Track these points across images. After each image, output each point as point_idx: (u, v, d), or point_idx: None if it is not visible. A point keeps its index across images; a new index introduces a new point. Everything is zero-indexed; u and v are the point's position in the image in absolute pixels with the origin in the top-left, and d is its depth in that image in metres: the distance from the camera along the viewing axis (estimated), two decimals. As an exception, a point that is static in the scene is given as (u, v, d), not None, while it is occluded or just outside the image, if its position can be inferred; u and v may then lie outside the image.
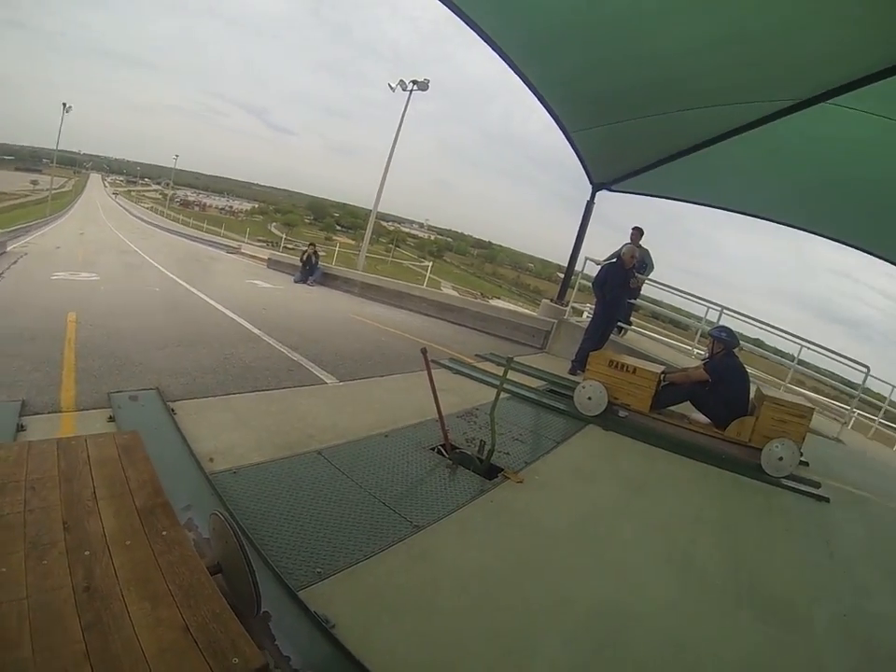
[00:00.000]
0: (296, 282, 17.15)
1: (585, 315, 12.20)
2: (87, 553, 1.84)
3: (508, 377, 4.58)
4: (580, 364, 8.55)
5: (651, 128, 8.59)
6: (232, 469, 3.58)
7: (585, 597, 2.90)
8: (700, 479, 5.15)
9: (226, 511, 2.67)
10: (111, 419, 4.09)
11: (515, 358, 6.13)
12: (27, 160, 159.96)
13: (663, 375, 6.22)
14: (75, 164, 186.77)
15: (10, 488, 2.13)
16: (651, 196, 12.33)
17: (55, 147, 59.56)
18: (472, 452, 4.38)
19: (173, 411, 4.37)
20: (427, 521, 3.36)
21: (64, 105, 51.60)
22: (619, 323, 9.62)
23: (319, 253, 18.16)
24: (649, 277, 10.08)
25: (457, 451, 4.40)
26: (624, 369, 6.11)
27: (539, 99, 8.74)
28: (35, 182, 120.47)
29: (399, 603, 2.58)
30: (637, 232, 9.87)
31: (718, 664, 2.61)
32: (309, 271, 17.40)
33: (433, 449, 4.50)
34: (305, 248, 18.50)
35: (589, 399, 6.16)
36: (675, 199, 12.10)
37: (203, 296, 11.02)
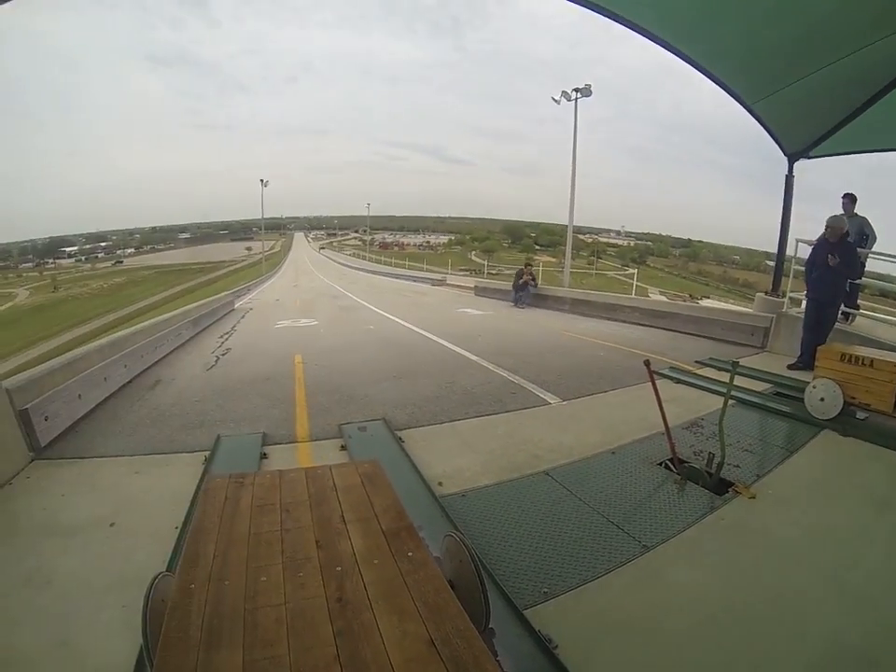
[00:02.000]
0: (515, 304, 17.38)
1: (804, 302, 11.28)
2: (339, 568, 2.01)
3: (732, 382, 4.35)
4: (804, 359, 7.92)
5: (836, 77, 7.65)
6: (461, 493, 3.78)
7: (822, 633, 2.57)
8: None
9: (457, 532, 2.77)
10: (343, 448, 4.58)
11: (738, 361, 5.79)
12: (239, 231, 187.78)
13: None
14: (280, 227, 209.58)
15: (268, 510, 2.41)
16: (855, 153, 10.83)
17: (261, 216, 68.69)
18: (701, 465, 4.22)
19: (401, 439, 4.73)
20: (655, 541, 3.30)
21: (262, 180, 58.62)
22: (845, 308, 8.70)
23: (533, 270, 18.08)
24: (872, 250, 8.94)
25: (685, 465, 4.28)
26: (860, 362, 5.42)
27: (710, 78, 8.42)
28: (248, 248, 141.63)
29: (623, 626, 2.55)
30: (850, 200, 8.99)
31: None
32: (523, 294, 17.34)
33: (661, 464, 4.41)
34: (522, 269, 18.21)
35: (821, 400, 5.58)
36: (884, 150, 10.74)
37: (416, 328, 11.63)
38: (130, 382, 6.95)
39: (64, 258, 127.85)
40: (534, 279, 17.54)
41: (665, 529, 3.42)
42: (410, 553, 2.10)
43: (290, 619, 1.74)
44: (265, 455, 4.47)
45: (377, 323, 13.29)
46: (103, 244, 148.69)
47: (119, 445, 4.81)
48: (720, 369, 7.76)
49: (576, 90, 23.47)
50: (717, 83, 8.60)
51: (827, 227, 7.65)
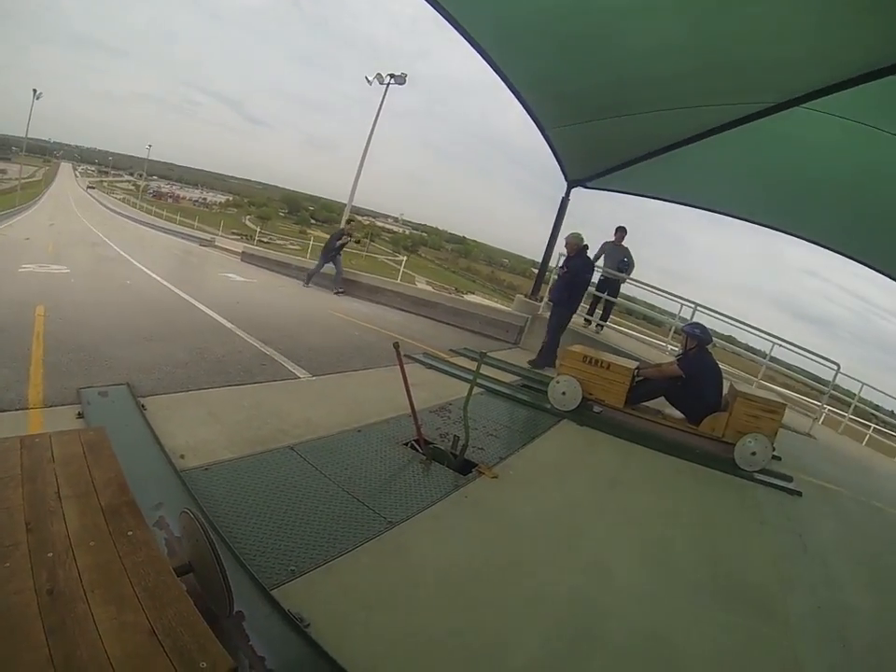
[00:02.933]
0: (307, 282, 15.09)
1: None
2: (50, 554, 1.76)
3: (481, 372, 4.59)
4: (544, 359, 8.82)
5: (626, 127, 8.67)
6: (204, 466, 3.51)
7: (560, 592, 2.91)
8: (674, 474, 5.21)
9: (197, 509, 2.62)
10: (80, 415, 4.00)
11: (489, 353, 6.11)
12: None
13: (637, 371, 6.26)
14: (45, 153, 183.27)
15: None
16: (626, 193, 12.49)
17: (24, 135, 58.36)
18: (446, 447, 4.36)
19: (143, 406, 4.28)
20: (401, 517, 3.34)
21: (35, 91, 50.12)
22: (598, 321, 10.55)
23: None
24: (630, 277, 10.36)
25: (431, 446, 4.38)
26: (599, 364, 6.14)
27: (516, 96, 8.80)
28: (2, 171, 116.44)
29: (373, 600, 2.56)
30: (621, 232, 10.29)
31: (692, 655, 2.64)
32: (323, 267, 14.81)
33: (407, 444, 4.47)
34: (343, 228, 15.62)
35: (563, 394, 6.18)
36: (649, 196, 12.35)
37: (175, 290, 10.88)
38: None
39: None
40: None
41: (411, 506, 3.48)
42: (130, 533, 1.93)
43: None
44: None
45: (135, 278, 12.29)
46: None
47: None
48: (472, 358, 8.06)
49: (391, 75, 23.63)
50: (522, 104, 9.06)
51: (566, 242, 8.67)
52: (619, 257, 10.30)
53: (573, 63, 7.45)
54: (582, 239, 8.62)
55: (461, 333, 11.02)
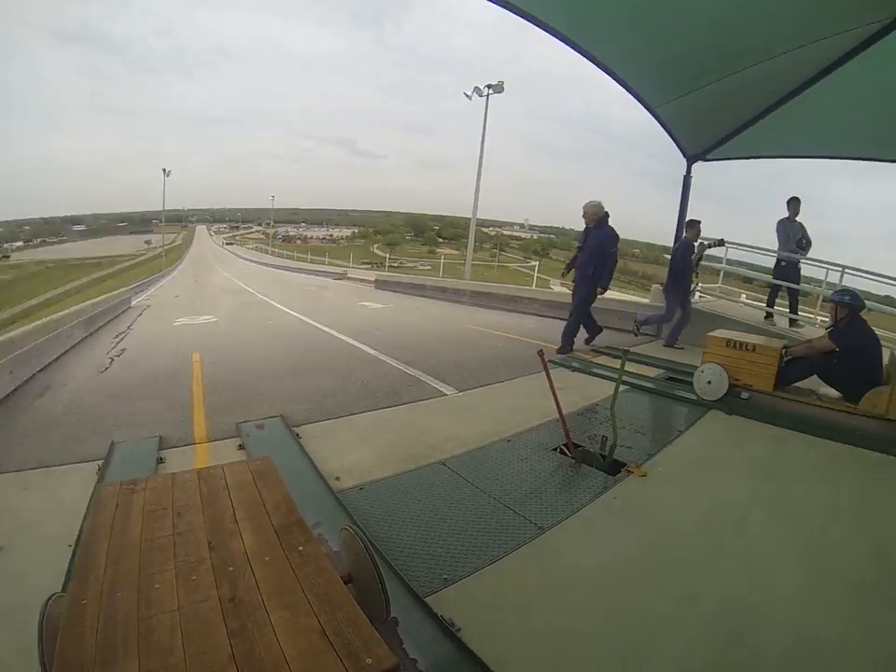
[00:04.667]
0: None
1: (697, 294, 11.84)
2: (231, 568, 2.00)
3: (626, 369, 4.54)
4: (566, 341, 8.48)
5: (738, 86, 8.08)
6: (358, 486, 3.77)
7: (711, 593, 2.80)
8: (834, 460, 4.69)
9: (354, 525, 2.81)
10: (241, 447, 4.47)
11: (631, 349, 6.02)
12: (139, 223, 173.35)
13: (785, 350, 5.84)
14: (181, 220, 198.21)
15: (160, 515, 2.34)
16: (751, 158, 11.50)
17: (161, 208, 66.16)
18: (595, 449, 4.36)
19: (298, 435, 4.65)
20: (551, 522, 3.38)
21: (164, 170, 56.24)
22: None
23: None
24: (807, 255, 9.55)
25: (580, 449, 4.39)
26: (743, 347, 5.85)
27: (615, 80, 8.63)
28: (148, 242, 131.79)
29: (523, 604, 2.62)
30: (795, 204, 9.46)
31: (853, 661, 2.41)
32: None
33: (555, 449, 4.50)
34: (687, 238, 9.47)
35: (709, 383, 5.94)
36: (776, 157, 11.34)
37: (315, 323, 11.47)
38: (16, 389, 6.48)
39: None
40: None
41: (560, 511, 3.51)
42: (300, 548, 2.11)
43: (184, 624, 1.71)
44: (162, 459, 4.24)
45: (277, 318, 13.05)
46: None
47: (5, 460, 4.41)
48: (614, 356, 7.91)
49: (488, 86, 23.90)
50: (624, 86, 8.85)
51: (583, 212, 8.29)
52: (796, 235, 9.39)
53: (666, 32, 7.16)
54: (602, 207, 8.26)
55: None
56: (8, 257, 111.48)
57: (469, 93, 24.47)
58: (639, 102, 9.29)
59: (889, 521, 3.74)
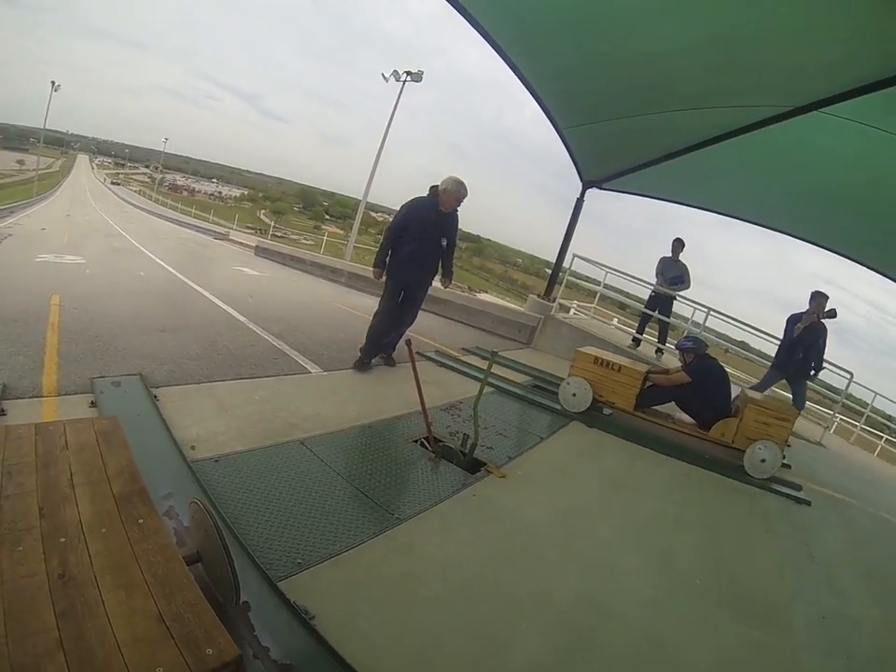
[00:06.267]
0: None
1: (572, 311, 12.29)
2: (62, 540, 1.80)
3: (492, 371, 4.58)
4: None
5: (644, 127, 8.58)
6: (214, 458, 3.53)
7: (563, 593, 2.91)
8: (683, 478, 5.18)
9: (206, 500, 2.65)
10: (93, 404, 4.03)
11: (501, 353, 6.09)
12: (13, 139, 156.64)
13: (647, 374, 6.23)
14: (62, 144, 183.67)
15: None
16: (642, 196, 12.32)
17: (42, 127, 59.05)
18: (455, 445, 4.36)
19: (155, 397, 4.30)
20: (408, 513, 3.34)
21: (53, 83, 50.92)
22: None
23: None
24: (681, 294, 9.93)
25: (440, 444, 4.39)
26: (610, 366, 6.11)
27: (532, 94, 8.72)
28: (21, 162, 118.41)
29: (379, 595, 2.57)
30: (679, 244, 9.69)
31: (694, 662, 2.62)
32: None
33: (416, 441, 4.47)
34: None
35: (574, 395, 6.15)
36: (665, 199, 12.14)
37: (189, 282, 10.92)
38: None
39: None
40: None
41: (418, 503, 3.49)
42: (141, 520, 1.98)
43: (7, 602, 1.54)
44: (2, 410, 3.67)
45: (149, 271, 12.35)
46: None
47: None
48: (484, 357, 7.94)
49: (407, 72, 23.77)
50: (538, 102, 8.98)
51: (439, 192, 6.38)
52: (673, 273, 9.67)
53: (590, 62, 7.39)
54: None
55: (474, 332, 10.97)
56: None
57: (386, 75, 24.30)
58: (549, 119, 9.46)
59: (729, 536, 4.23)
